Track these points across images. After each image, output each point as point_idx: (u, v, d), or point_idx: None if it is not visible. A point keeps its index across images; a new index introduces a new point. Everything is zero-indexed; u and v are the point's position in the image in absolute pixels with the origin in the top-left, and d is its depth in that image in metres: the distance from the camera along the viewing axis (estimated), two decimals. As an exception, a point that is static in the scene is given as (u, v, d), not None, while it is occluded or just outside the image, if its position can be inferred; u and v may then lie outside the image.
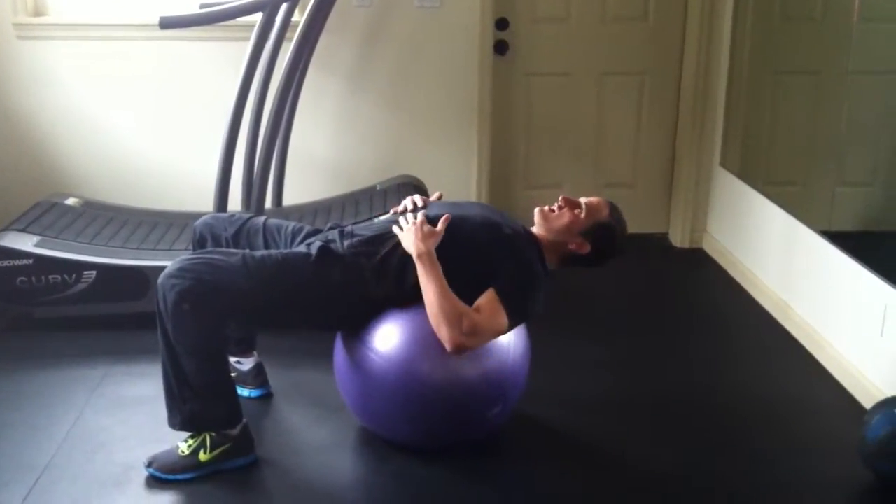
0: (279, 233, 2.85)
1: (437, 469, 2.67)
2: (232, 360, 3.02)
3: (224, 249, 2.70)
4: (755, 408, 3.07)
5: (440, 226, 2.59)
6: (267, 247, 2.81)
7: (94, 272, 3.47)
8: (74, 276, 3.46)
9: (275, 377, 3.11)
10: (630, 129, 4.58)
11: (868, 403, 2.95)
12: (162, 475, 2.59)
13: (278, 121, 3.62)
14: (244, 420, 2.66)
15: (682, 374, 3.31)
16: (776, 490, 2.61)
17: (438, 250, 2.55)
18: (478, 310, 2.49)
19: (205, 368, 2.54)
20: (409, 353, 2.56)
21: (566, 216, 2.70)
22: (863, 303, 3.09)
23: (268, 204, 3.87)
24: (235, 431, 2.63)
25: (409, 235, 2.57)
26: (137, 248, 3.62)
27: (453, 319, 2.43)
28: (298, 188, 4.21)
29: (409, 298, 2.59)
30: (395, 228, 2.66)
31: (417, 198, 2.82)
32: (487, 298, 2.50)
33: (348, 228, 2.76)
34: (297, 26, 3.61)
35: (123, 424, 2.88)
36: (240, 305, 2.57)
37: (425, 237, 2.54)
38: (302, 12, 3.70)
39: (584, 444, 2.85)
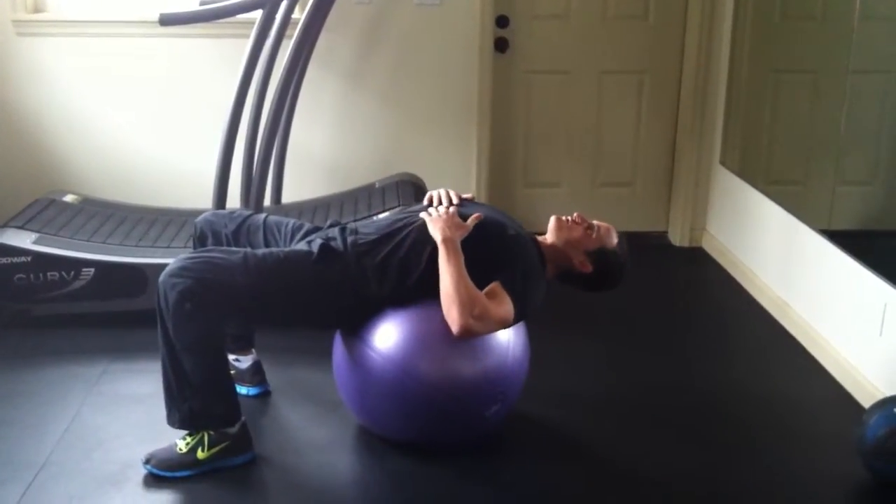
0: (279, 230, 2.85)
1: (436, 467, 2.66)
2: (230, 357, 3.01)
3: (225, 248, 2.70)
4: (754, 406, 3.07)
5: (470, 222, 2.62)
6: (267, 244, 2.81)
7: (93, 269, 3.47)
8: (73, 273, 3.46)
9: (273, 375, 3.11)
10: (630, 128, 4.58)
11: (867, 402, 2.95)
12: (160, 472, 2.59)
13: (277, 118, 3.62)
14: (243, 418, 2.66)
15: (680, 372, 3.31)
16: (774, 488, 2.61)
17: (437, 255, 2.56)
18: (486, 297, 2.50)
19: (205, 366, 2.54)
20: (408, 351, 2.55)
21: (578, 231, 2.74)
22: (862, 302, 3.09)
23: (266, 201, 3.86)
24: (234, 429, 2.63)
25: (438, 222, 2.59)
26: (135, 246, 3.62)
27: (466, 302, 2.44)
28: (297, 186, 4.21)
29: (410, 297, 2.59)
30: (423, 214, 2.67)
31: (453, 193, 2.83)
32: (493, 288, 2.52)
33: (350, 226, 2.75)
34: (296, 24, 3.61)
35: (121, 422, 2.88)
36: (241, 304, 2.57)
37: (454, 227, 2.57)
38: (302, 10, 3.69)
39: (583, 443, 2.85)
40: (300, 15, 3.66)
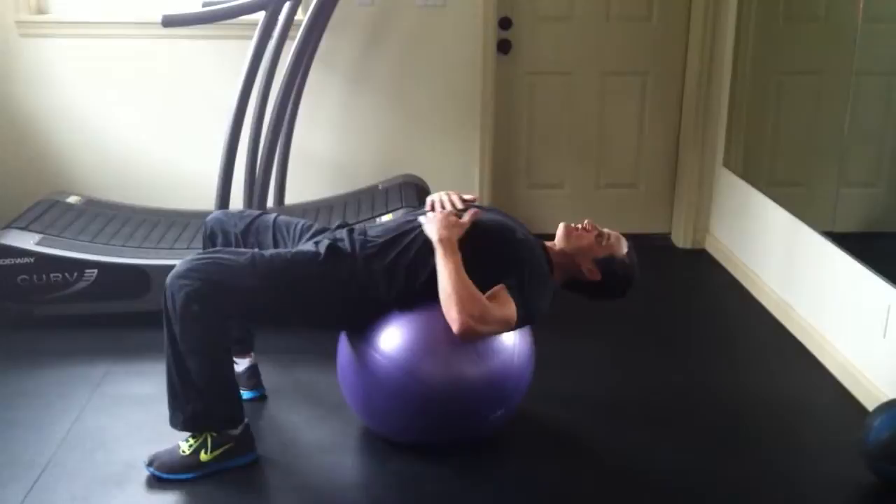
0: (288, 230, 2.85)
1: (439, 469, 2.66)
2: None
3: (232, 249, 2.70)
4: (757, 408, 3.07)
5: (466, 218, 2.62)
6: (276, 244, 2.81)
7: (96, 271, 3.47)
8: (76, 274, 3.46)
9: (275, 377, 3.11)
10: (633, 129, 4.58)
11: (870, 405, 2.95)
12: (162, 474, 2.59)
13: (280, 120, 3.62)
14: (246, 420, 2.66)
15: (683, 374, 3.31)
16: (777, 490, 2.61)
17: None
18: (488, 298, 2.49)
19: (210, 368, 2.54)
20: (412, 354, 2.55)
21: (588, 239, 2.74)
22: (865, 304, 3.09)
23: (270, 203, 3.87)
24: (237, 431, 2.63)
25: (433, 222, 2.59)
26: (138, 247, 3.62)
27: (465, 302, 2.42)
28: (300, 187, 4.21)
29: (416, 301, 2.59)
30: (420, 219, 2.67)
31: (455, 196, 2.81)
32: (497, 290, 2.51)
33: (359, 227, 2.76)
34: (299, 25, 3.61)
35: (124, 423, 2.88)
36: (248, 305, 2.57)
37: (449, 226, 2.56)
38: (305, 11, 3.69)
39: (586, 444, 2.84)
40: (303, 16, 3.66)
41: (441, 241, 2.53)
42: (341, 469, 2.72)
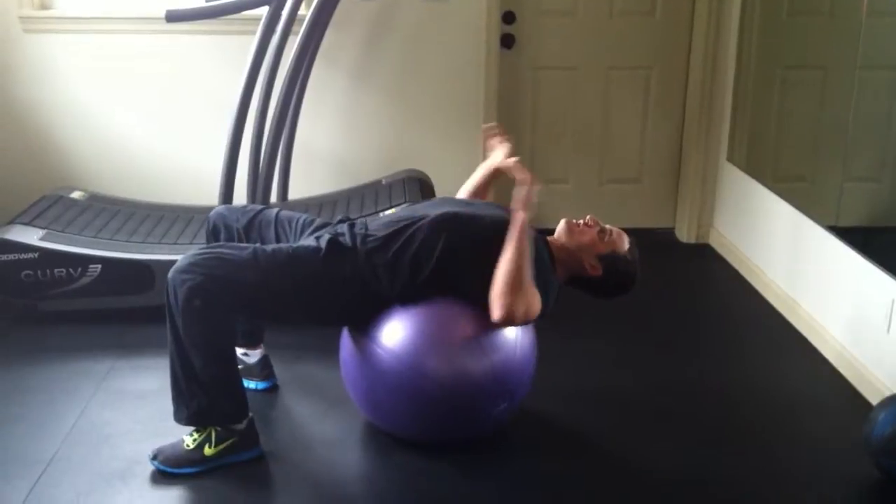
0: (290, 225, 2.85)
1: (442, 464, 2.66)
2: (239, 352, 3.02)
3: (234, 244, 2.70)
4: (761, 403, 3.07)
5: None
6: (278, 239, 2.81)
7: (100, 266, 3.48)
8: (80, 269, 3.47)
9: (280, 371, 3.11)
10: (637, 124, 4.57)
11: (874, 399, 2.95)
12: (167, 468, 2.59)
13: (284, 115, 3.62)
14: (250, 414, 2.66)
15: (687, 369, 3.30)
16: (781, 485, 2.61)
17: (451, 249, 2.57)
18: None
19: (213, 363, 2.54)
20: (415, 349, 2.55)
21: (590, 234, 2.74)
22: (870, 299, 3.08)
23: (273, 198, 3.87)
24: (241, 426, 2.63)
25: (524, 198, 2.57)
26: (142, 242, 3.62)
27: (523, 294, 2.46)
28: (304, 182, 4.21)
29: (419, 294, 2.60)
30: (514, 169, 2.70)
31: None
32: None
33: (360, 221, 2.76)
34: (303, 20, 3.61)
35: (128, 418, 2.89)
36: (250, 300, 2.57)
37: (533, 207, 2.55)
38: (308, 6, 3.69)
39: (589, 440, 2.85)
40: (306, 11, 3.66)
41: (524, 221, 2.52)
42: (345, 463, 2.72)
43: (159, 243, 3.63)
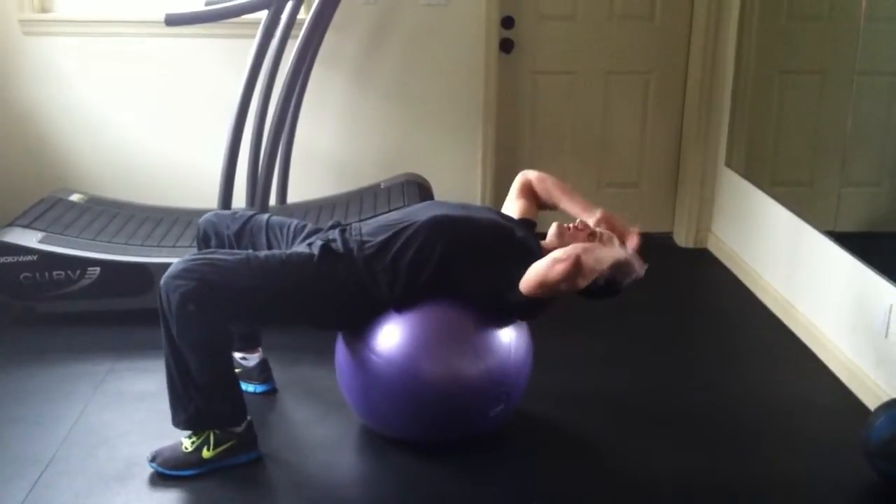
0: (282, 231, 2.85)
1: (439, 467, 2.66)
2: (237, 355, 3.03)
3: (227, 250, 2.70)
4: (758, 408, 3.07)
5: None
6: (270, 245, 2.81)
7: (98, 268, 3.48)
8: (78, 272, 3.47)
9: (278, 373, 3.11)
10: (635, 129, 4.58)
11: (872, 404, 2.95)
12: (165, 471, 2.59)
13: (283, 118, 3.62)
14: (248, 417, 2.66)
15: (684, 373, 3.31)
16: (779, 490, 2.61)
17: (449, 253, 2.57)
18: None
19: (209, 367, 2.54)
20: (409, 354, 2.56)
21: (580, 238, 2.73)
22: (868, 303, 3.09)
23: (272, 201, 3.87)
24: (240, 429, 2.63)
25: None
26: (141, 245, 3.62)
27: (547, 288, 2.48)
28: (303, 186, 4.21)
29: (419, 297, 2.60)
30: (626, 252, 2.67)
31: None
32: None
33: (355, 226, 2.75)
34: (302, 24, 3.61)
35: (127, 420, 2.89)
36: (243, 305, 2.57)
37: (589, 272, 2.50)
38: (307, 10, 3.69)
39: (586, 442, 2.85)
40: (306, 15, 3.66)
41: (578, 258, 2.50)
42: (342, 466, 2.72)
43: (158, 246, 3.63)
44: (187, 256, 2.56)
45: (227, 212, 3.04)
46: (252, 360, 3.05)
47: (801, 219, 3.59)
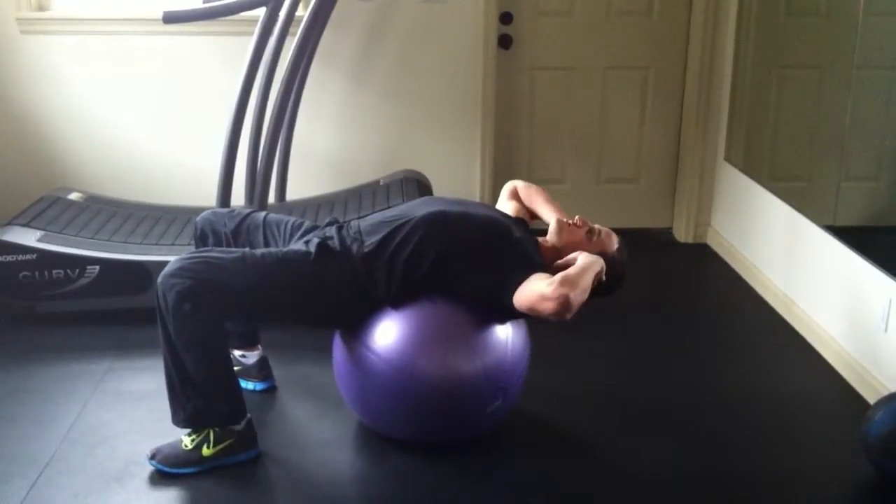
0: (279, 229, 2.85)
1: (437, 465, 2.66)
2: (237, 353, 3.03)
3: (223, 248, 2.70)
4: (758, 403, 3.07)
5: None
6: (267, 243, 2.81)
7: (98, 267, 3.48)
8: (77, 270, 3.47)
9: (277, 371, 3.11)
10: (634, 124, 4.57)
11: (872, 399, 2.95)
12: (165, 468, 2.59)
13: (281, 116, 3.62)
14: (248, 415, 2.66)
15: (684, 368, 3.31)
16: (778, 485, 2.61)
17: (446, 249, 2.57)
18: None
19: (207, 365, 2.55)
20: (407, 352, 2.55)
21: (579, 234, 2.74)
22: (867, 298, 3.09)
23: (271, 199, 3.87)
24: (239, 427, 2.63)
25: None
26: (140, 243, 3.62)
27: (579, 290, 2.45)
28: (302, 183, 4.21)
29: (416, 293, 2.60)
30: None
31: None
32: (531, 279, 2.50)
33: (352, 223, 2.75)
34: (300, 21, 3.61)
35: (126, 418, 2.89)
36: (240, 303, 2.57)
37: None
38: (305, 7, 3.69)
39: (584, 440, 2.85)
40: (303, 12, 3.66)
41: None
42: (341, 464, 2.72)
43: (157, 244, 3.63)
44: (184, 255, 2.56)
45: (224, 210, 3.04)
46: (251, 357, 3.06)
47: (800, 213, 3.59)
